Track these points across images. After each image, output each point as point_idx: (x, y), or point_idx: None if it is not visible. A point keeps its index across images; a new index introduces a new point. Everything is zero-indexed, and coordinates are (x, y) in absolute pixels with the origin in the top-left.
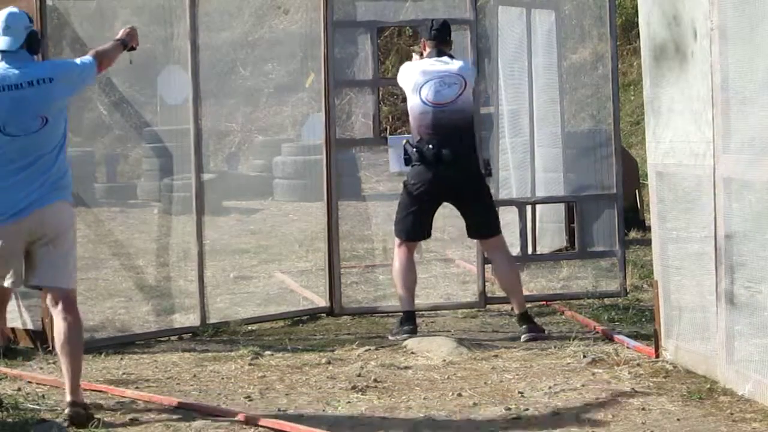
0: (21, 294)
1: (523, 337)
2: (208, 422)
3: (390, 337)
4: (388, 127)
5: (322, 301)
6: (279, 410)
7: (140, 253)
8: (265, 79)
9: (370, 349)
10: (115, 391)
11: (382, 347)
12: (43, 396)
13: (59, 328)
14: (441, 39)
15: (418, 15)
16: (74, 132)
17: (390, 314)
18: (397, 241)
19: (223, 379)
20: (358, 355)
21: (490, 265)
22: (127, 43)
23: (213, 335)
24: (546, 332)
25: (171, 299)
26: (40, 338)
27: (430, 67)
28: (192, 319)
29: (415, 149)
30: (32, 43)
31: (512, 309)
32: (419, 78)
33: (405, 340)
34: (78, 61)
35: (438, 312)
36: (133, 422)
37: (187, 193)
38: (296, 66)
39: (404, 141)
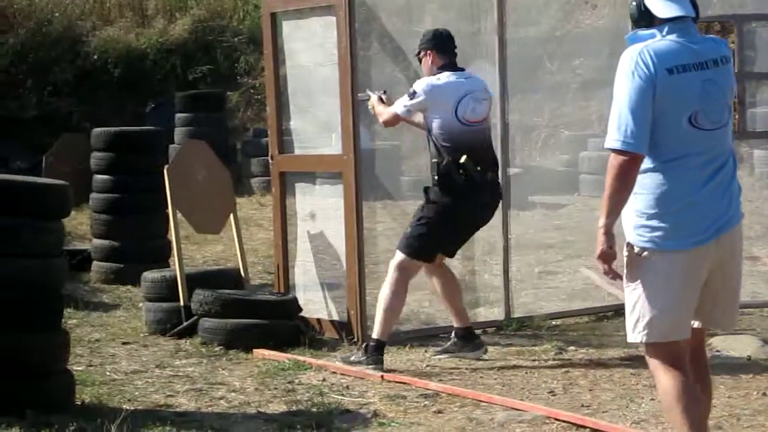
0: (327, 285)
1: (479, 352)
2: (512, 416)
3: (347, 362)
4: None
5: None
6: (582, 405)
7: None
8: (572, 74)
9: None
10: (419, 384)
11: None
12: (348, 387)
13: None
14: (451, 50)
15: (727, 10)
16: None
17: None
18: (402, 258)
19: (526, 373)
20: None
21: None
22: None
23: (517, 329)
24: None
25: (476, 293)
26: (345, 329)
27: (457, 80)
28: (496, 313)
29: (460, 171)
30: (697, 9)
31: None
32: (452, 94)
33: (374, 370)
34: None
35: (744, 310)
36: (437, 414)
37: None
38: (603, 61)
39: (435, 160)
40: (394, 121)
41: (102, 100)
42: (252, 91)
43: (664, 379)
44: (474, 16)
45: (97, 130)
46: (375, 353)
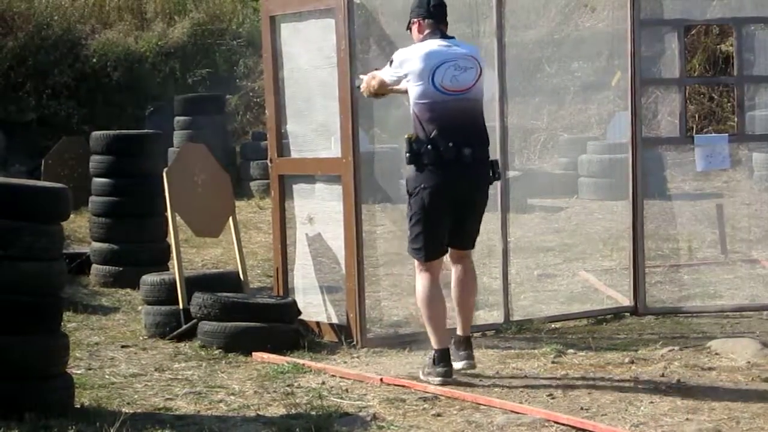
0: (326, 288)
1: (461, 364)
2: (511, 419)
3: (422, 377)
4: (695, 126)
5: (626, 301)
6: (581, 408)
7: None
8: (571, 77)
9: (673, 350)
10: (417, 387)
11: (686, 348)
12: (347, 390)
13: None
14: (441, 17)
15: (726, 14)
16: (381, 128)
17: (695, 315)
18: (417, 265)
19: (525, 376)
20: (662, 356)
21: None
22: None
23: (516, 332)
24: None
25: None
26: (345, 332)
27: (439, 48)
28: (496, 316)
29: (429, 146)
30: None
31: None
32: (429, 61)
33: (439, 384)
34: None
35: (743, 313)
36: (436, 417)
37: (492, 191)
38: (602, 64)
39: (407, 136)
40: (383, 87)
41: (101, 103)
42: (251, 94)
43: None
44: (473, 19)
45: (96, 133)
46: (440, 363)
